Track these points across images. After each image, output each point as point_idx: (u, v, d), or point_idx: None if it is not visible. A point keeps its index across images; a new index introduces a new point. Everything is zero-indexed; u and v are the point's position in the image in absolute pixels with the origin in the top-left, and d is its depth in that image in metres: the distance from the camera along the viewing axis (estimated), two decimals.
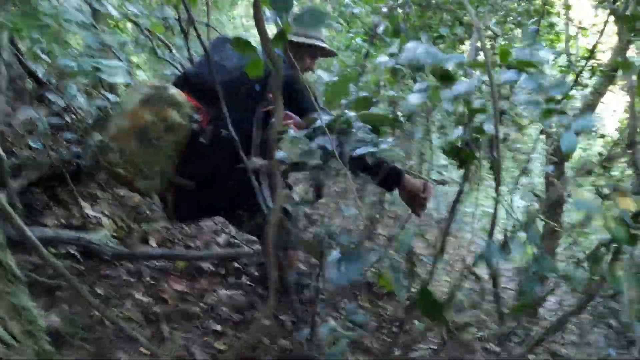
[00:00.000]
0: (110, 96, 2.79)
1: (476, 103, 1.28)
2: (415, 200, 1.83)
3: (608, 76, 3.76)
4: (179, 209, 1.99)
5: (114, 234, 2.79)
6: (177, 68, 3.31)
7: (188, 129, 1.73)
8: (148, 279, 2.53)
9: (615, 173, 4.05)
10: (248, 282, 2.67)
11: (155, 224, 2.97)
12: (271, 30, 1.10)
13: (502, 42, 4.52)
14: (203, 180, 1.82)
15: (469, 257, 4.78)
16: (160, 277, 2.54)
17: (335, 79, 1.48)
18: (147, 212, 3.12)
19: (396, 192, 1.96)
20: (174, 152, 1.76)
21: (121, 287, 2.43)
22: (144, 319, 2.29)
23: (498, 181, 2.68)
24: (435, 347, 2.80)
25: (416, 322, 2.95)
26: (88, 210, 2.91)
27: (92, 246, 2.46)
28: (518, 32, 4.70)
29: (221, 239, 2.93)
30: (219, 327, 2.31)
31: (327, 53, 2.32)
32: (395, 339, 1.97)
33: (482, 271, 4.23)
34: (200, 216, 2.41)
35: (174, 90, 1.76)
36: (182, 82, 1.99)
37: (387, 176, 1.73)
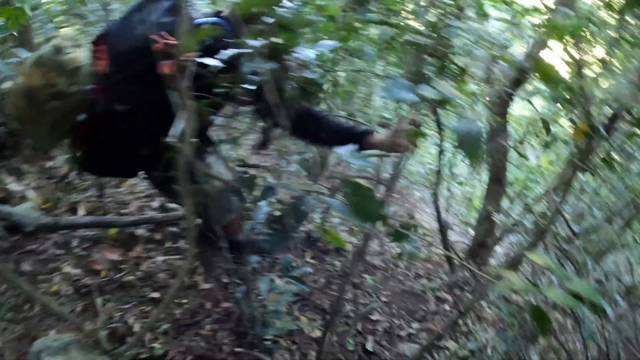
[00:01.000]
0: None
1: None
2: (395, 143, 1.65)
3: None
4: (87, 163, 1.84)
5: (43, 207, 2.62)
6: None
7: (78, 98, 1.58)
8: (78, 250, 2.38)
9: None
10: (185, 246, 2.54)
11: (86, 194, 2.79)
12: None
13: None
14: (103, 144, 1.68)
15: (417, 213, 4.80)
16: (92, 248, 2.38)
17: None
18: (78, 181, 2.93)
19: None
20: (63, 118, 1.62)
21: (50, 262, 2.29)
22: (75, 292, 2.16)
23: (442, 137, 2.63)
24: (387, 300, 2.77)
25: (367, 276, 2.91)
26: (13, 185, 2.71)
27: (13, 218, 2.27)
28: None
29: (156, 202, 2.77)
30: (156, 295, 2.20)
31: None
32: (342, 293, 1.89)
33: (433, 225, 4.24)
34: (111, 174, 2.29)
35: (70, 56, 1.58)
36: (99, 39, 1.77)
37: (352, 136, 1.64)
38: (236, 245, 2.12)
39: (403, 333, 2.48)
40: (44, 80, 1.53)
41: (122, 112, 1.59)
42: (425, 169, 5.84)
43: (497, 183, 3.91)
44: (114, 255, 2.36)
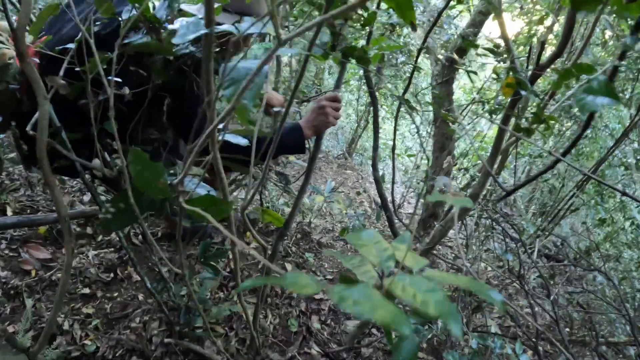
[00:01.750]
0: None
1: None
2: (322, 119, 1.66)
3: None
4: (31, 160, 1.77)
5: None
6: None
7: (5, 96, 1.54)
8: (6, 251, 2.29)
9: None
10: (118, 238, 2.47)
11: (16, 194, 2.68)
12: None
13: None
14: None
15: (370, 188, 4.81)
16: (20, 248, 2.30)
17: None
18: (7, 182, 2.82)
19: None
20: None
21: None
22: (4, 294, 2.08)
23: (397, 116, 2.60)
24: (332, 278, 2.75)
25: (308, 255, 2.89)
26: None
27: None
28: None
29: (87, 196, 2.68)
30: (87, 291, 2.13)
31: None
32: (269, 273, 1.85)
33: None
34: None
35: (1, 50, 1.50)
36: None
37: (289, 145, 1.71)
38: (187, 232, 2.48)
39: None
40: None
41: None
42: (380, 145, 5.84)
43: (443, 152, 3.92)
44: (44, 254, 2.28)
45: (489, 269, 3.80)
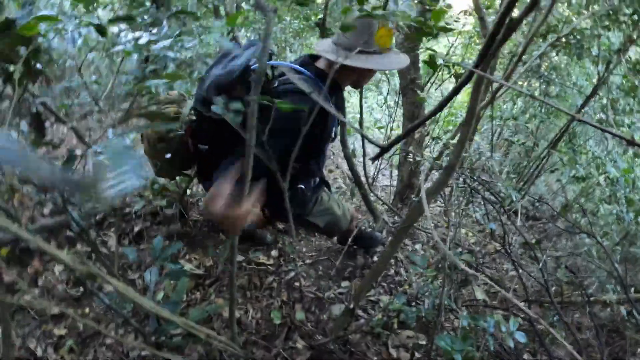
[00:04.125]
0: None
1: None
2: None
3: None
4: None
5: None
6: None
7: (176, 140, 1.89)
8: None
9: None
10: (86, 248, 2.36)
11: None
12: None
13: None
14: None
15: (343, 164, 4.74)
16: None
17: None
18: None
19: None
20: (172, 155, 1.92)
21: None
22: None
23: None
24: (311, 262, 2.68)
25: (285, 239, 2.81)
26: None
27: None
28: None
29: (47, 209, 2.56)
30: (56, 310, 2.03)
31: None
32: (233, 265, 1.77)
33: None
34: None
35: (169, 109, 1.87)
36: None
37: None
38: (361, 239, 2.72)
39: (332, 294, 2.41)
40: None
41: (206, 151, 1.87)
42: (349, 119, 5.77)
43: (413, 121, 3.85)
44: (8, 276, 2.15)
45: (470, 234, 3.78)
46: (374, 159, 1.36)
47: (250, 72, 1.64)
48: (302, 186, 2.05)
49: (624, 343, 2.42)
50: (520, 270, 2.20)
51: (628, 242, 4.11)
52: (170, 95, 2.00)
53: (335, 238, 2.86)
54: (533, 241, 2.71)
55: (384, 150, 1.10)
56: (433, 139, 3.67)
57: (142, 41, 1.66)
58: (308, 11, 4.59)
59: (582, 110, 4.63)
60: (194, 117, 1.88)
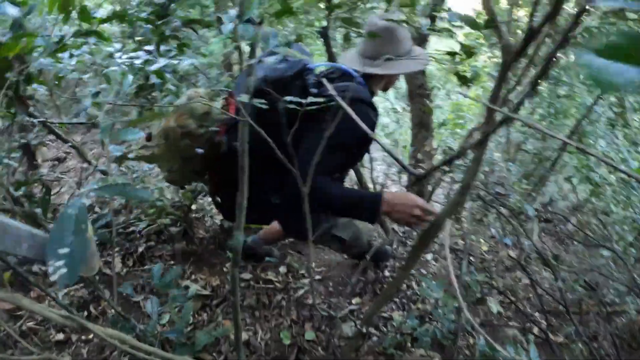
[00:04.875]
0: None
1: None
2: (404, 218, 1.58)
3: None
4: (223, 209, 2.04)
5: None
6: None
7: (205, 137, 1.80)
8: None
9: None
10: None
11: None
12: None
13: None
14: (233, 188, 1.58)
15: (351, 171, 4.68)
16: None
17: None
18: None
19: None
20: (192, 155, 1.83)
21: None
22: None
23: None
24: (321, 278, 2.62)
25: (293, 254, 2.76)
26: None
27: None
28: None
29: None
30: (61, 336, 1.97)
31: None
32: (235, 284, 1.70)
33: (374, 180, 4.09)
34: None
35: (199, 104, 1.83)
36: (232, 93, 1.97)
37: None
38: (379, 256, 2.57)
39: (343, 312, 2.34)
40: (177, 122, 1.79)
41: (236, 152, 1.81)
42: None
43: (421, 128, 3.80)
44: (9, 304, 2.10)
45: (482, 241, 3.71)
46: (407, 187, 1.31)
47: (307, 70, 1.69)
48: None
49: None
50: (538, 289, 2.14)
51: None
52: (199, 92, 1.96)
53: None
54: (549, 254, 2.64)
55: (419, 178, 1.05)
56: (444, 152, 3.60)
57: (137, 62, 1.61)
58: (311, 17, 4.54)
59: (592, 109, 4.56)
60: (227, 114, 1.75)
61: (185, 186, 2.43)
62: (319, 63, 1.85)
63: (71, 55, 1.60)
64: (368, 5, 2.84)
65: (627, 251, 3.45)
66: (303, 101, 1.14)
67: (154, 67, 1.59)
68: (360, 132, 1.46)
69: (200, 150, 1.78)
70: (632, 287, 2.12)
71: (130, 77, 1.68)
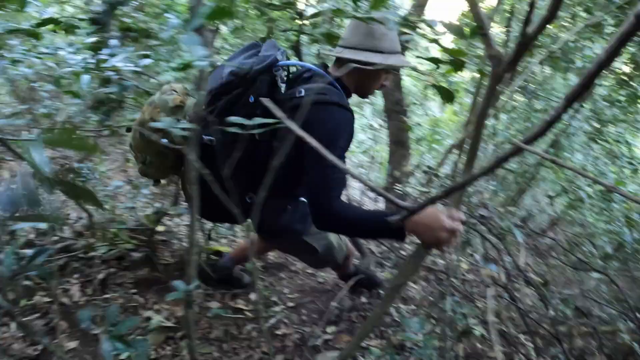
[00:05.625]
0: None
1: None
2: (432, 238, 1.40)
3: None
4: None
5: None
6: None
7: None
8: None
9: None
10: (45, 300, 2.12)
11: None
12: None
13: None
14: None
15: None
16: None
17: None
18: None
19: None
20: (165, 150, 1.85)
21: None
22: None
23: None
24: (293, 305, 2.48)
25: (266, 282, 2.61)
26: None
27: None
28: None
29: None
30: None
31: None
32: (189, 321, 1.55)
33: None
34: (219, 219, 2.21)
35: (170, 97, 1.87)
36: None
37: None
38: (369, 282, 2.50)
39: (318, 342, 2.20)
40: (150, 116, 1.82)
41: (211, 146, 1.77)
42: None
43: (399, 145, 3.70)
44: None
45: (462, 259, 3.60)
46: (397, 220, 1.17)
47: (277, 66, 1.69)
48: (304, 199, 1.94)
49: None
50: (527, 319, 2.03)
51: (622, 256, 3.98)
52: (174, 86, 1.98)
53: (327, 271, 2.64)
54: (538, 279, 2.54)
55: (411, 212, 0.93)
56: (424, 172, 3.50)
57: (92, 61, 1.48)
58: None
59: (570, 123, 4.54)
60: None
61: (160, 180, 2.26)
62: (292, 61, 1.79)
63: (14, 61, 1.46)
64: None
65: (609, 264, 3.39)
66: (247, 122, 1.02)
67: (110, 62, 1.46)
68: (344, 138, 1.59)
69: (164, 141, 1.70)
70: (624, 310, 2.03)
71: (86, 77, 1.54)
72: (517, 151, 0.68)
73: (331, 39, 1.90)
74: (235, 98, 1.72)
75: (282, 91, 1.72)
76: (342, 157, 1.66)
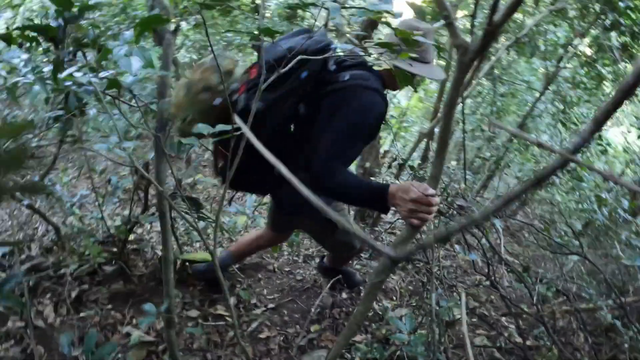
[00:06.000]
0: None
1: None
2: (405, 214, 1.47)
3: None
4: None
5: None
6: None
7: (224, 94, 1.78)
8: None
9: None
10: (19, 325, 2.04)
11: None
12: None
13: None
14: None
15: None
16: None
17: None
18: None
19: None
20: (209, 109, 1.86)
21: None
22: None
23: None
24: (274, 306, 2.45)
25: (238, 286, 2.57)
26: None
27: None
28: None
29: None
30: None
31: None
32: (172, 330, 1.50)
33: None
34: (247, 189, 2.31)
35: (226, 62, 1.92)
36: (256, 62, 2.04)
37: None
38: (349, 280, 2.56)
39: (303, 342, 2.17)
40: (200, 76, 1.87)
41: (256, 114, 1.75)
42: None
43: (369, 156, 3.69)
44: None
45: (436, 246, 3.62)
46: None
47: (331, 49, 1.75)
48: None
49: (612, 346, 2.31)
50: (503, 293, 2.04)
51: (593, 233, 4.07)
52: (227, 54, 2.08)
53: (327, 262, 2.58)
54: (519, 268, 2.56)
55: (395, 262, 0.90)
56: (400, 165, 3.49)
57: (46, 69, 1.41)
58: (250, 26, 4.37)
59: (535, 106, 4.61)
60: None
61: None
62: (343, 45, 1.84)
63: None
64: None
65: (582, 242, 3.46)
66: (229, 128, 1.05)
67: (65, 73, 1.38)
68: (375, 121, 1.77)
69: (218, 100, 1.83)
70: (604, 291, 2.06)
71: (37, 88, 1.45)
72: (565, 163, 0.67)
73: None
74: (288, 72, 1.73)
75: (331, 72, 1.85)
76: (372, 136, 1.86)
